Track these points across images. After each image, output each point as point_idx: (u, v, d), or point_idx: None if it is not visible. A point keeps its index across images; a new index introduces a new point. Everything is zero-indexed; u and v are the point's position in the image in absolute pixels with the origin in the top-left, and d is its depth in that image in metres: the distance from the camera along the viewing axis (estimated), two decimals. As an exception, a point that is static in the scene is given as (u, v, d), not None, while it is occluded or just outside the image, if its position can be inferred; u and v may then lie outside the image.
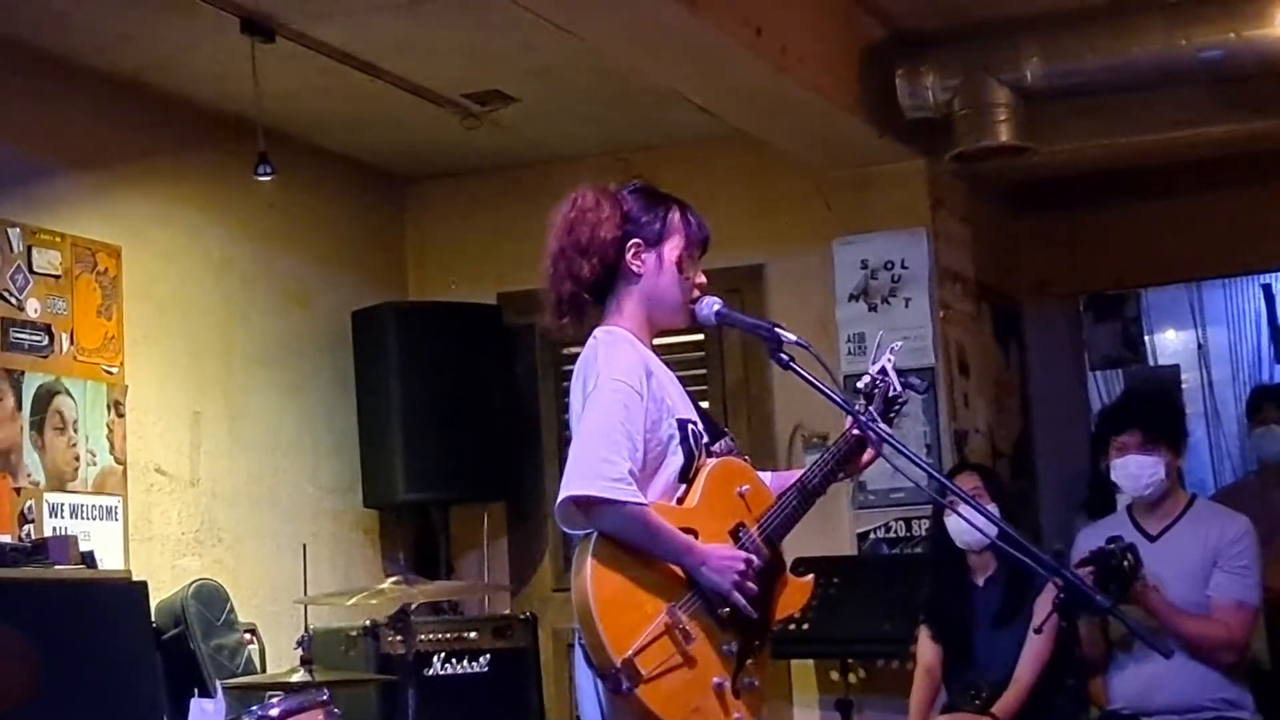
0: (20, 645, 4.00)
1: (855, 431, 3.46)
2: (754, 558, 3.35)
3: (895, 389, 3.50)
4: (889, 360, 3.52)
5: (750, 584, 3.31)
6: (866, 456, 3.49)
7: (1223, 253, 7.53)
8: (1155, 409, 5.36)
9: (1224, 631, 4.92)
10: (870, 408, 3.49)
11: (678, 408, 3.43)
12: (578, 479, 3.26)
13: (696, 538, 3.34)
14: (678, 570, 3.31)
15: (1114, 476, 5.12)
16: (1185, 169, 7.13)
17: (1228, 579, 4.94)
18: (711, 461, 3.44)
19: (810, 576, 3.58)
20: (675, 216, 3.50)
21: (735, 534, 3.40)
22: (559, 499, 3.30)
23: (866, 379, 3.53)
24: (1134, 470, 5.03)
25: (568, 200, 3.48)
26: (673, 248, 3.47)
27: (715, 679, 3.29)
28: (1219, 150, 6.87)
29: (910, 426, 6.41)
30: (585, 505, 3.27)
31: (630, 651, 3.19)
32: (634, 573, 3.27)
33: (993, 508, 5.05)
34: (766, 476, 3.64)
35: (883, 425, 3.46)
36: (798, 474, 3.54)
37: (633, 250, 3.46)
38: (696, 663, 3.27)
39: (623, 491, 3.24)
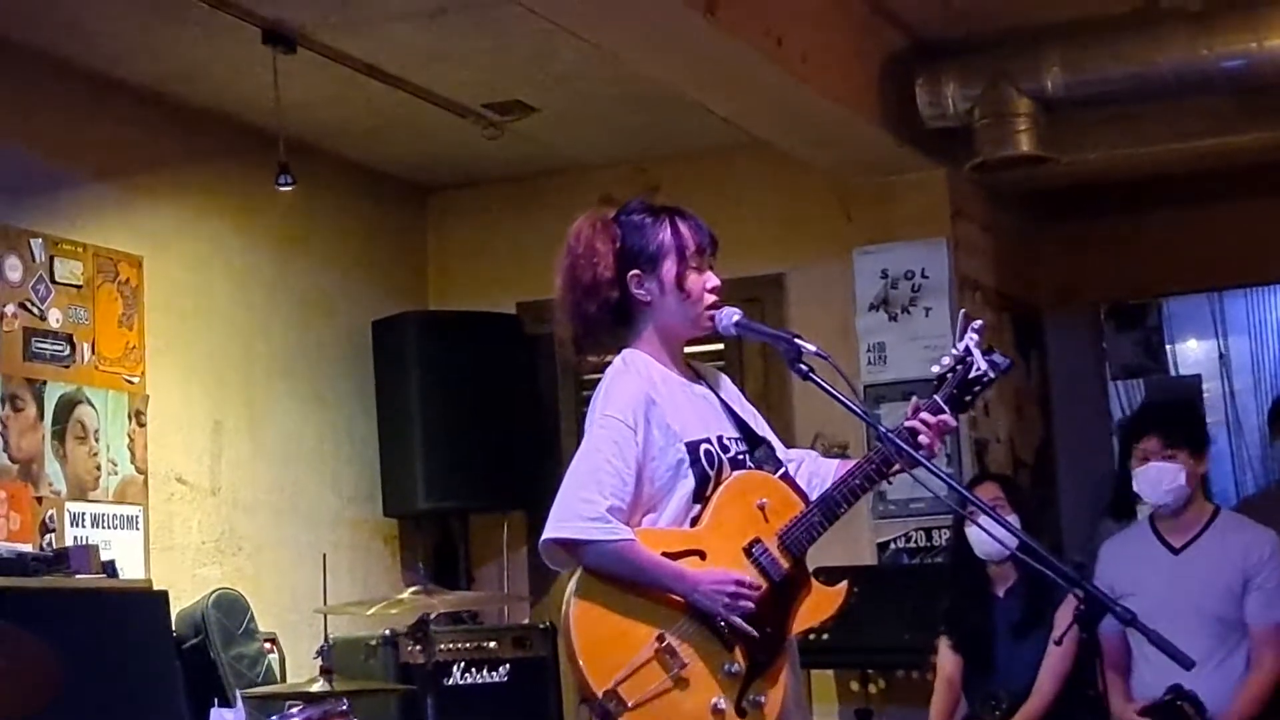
0: (41, 654, 4.00)
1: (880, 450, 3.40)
2: (746, 578, 3.31)
3: (980, 367, 3.43)
4: (973, 339, 3.44)
5: (744, 604, 3.28)
6: (893, 468, 3.43)
7: (1244, 262, 7.50)
8: (1174, 415, 5.35)
9: (1275, 667, 4.89)
10: (936, 395, 3.43)
11: (689, 430, 3.41)
12: (555, 521, 3.31)
13: (704, 558, 3.32)
14: (674, 595, 3.30)
15: (1136, 486, 5.09)
16: (1206, 178, 7.10)
17: (1264, 603, 4.91)
18: (730, 477, 3.41)
19: (843, 584, 3.49)
20: (665, 235, 3.47)
21: (749, 549, 3.37)
22: (540, 541, 3.33)
23: (947, 359, 3.46)
24: (1154, 477, 5.00)
25: (565, 244, 3.48)
26: (669, 268, 3.46)
27: (713, 700, 3.27)
28: (1240, 159, 6.84)
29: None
30: (567, 545, 3.30)
31: (613, 681, 3.20)
32: (621, 604, 3.28)
33: (1013, 518, 5.05)
34: (831, 465, 3.59)
35: (947, 416, 3.41)
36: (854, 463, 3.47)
37: (634, 281, 3.46)
38: (690, 686, 3.26)
39: (600, 530, 3.26)
